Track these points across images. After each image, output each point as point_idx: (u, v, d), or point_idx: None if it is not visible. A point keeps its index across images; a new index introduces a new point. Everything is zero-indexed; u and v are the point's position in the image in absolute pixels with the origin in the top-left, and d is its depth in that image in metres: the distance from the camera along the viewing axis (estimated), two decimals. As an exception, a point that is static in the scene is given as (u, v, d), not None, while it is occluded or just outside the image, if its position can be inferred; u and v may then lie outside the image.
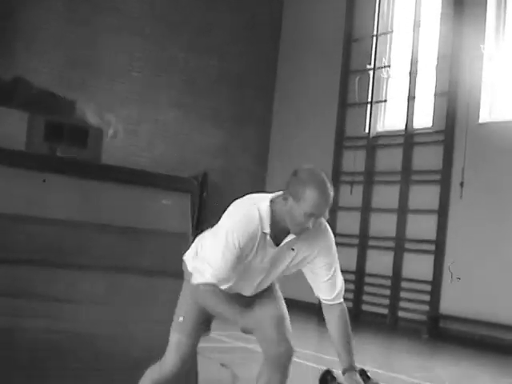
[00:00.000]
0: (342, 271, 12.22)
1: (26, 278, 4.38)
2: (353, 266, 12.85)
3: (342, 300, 3.76)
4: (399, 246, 12.39)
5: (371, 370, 5.18)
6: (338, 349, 3.64)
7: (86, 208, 4.67)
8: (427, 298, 11.81)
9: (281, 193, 3.54)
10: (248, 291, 3.77)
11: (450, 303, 11.47)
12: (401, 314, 12.28)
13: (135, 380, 4.41)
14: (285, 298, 3.95)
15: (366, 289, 12.78)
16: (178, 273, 4.89)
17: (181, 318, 3.94)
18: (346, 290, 13.14)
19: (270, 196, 3.58)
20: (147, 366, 4.37)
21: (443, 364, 8.77)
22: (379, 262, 12.65)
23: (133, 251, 4.75)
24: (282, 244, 3.52)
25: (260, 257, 3.54)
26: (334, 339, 3.67)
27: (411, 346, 10.05)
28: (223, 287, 3.58)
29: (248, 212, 3.48)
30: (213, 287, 3.52)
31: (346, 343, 3.62)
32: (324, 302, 3.73)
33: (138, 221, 4.83)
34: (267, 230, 3.47)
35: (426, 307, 11.79)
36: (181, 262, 4.95)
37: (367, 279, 12.84)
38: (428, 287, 11.80)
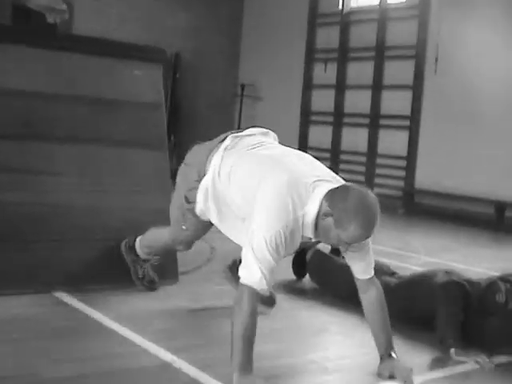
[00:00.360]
0: (318, 149, 12.45)
1: (1, 151, 4.34)
2: (328, 144, 12.86)
3: (373, 274, 3.53)
4: (374, 122, 12.37)
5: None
6: (374, 334, 3.49)
7: (57, 80, 4.61)
8: (402, 173, 11.91)
9: (329, 187, 3.22)
10: None
11: (424, 178, 11.57)
12: (376, 190, 12.32)
13: (116, 250, 4.47)
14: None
15: (342, 166, 12.78)
16: (152, 143, 4.91)
17: (184, 227, 3.94)
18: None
19: (317, 196, 3.19)
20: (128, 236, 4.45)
21: (419, 236, 8.90)
22: (354, 140, 12.67)
23: (106, 122, 4.71)
24: None
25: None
26: (370, 323, 3.52)
27: (387, 221, 10.12)
28: None
29: (292, 220, 3.13)
30: (252, 318, 3.06)
31: (383, 329, 3.45)
32: (357, 277, 3.52)
33: (110, 92, 4.79)
34: (311, 235, 3.25)
35: (401, 183, 11.91)
36: (154, 132, 4.96)
37: (342, 157, 12.86)
38: (403, 163, 11.88)
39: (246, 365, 3.01)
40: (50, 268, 4.35)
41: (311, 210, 3.15)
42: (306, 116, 13.51)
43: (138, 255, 4.43)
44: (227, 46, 14.71)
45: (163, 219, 4.22)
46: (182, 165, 3.87)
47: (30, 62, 4.50)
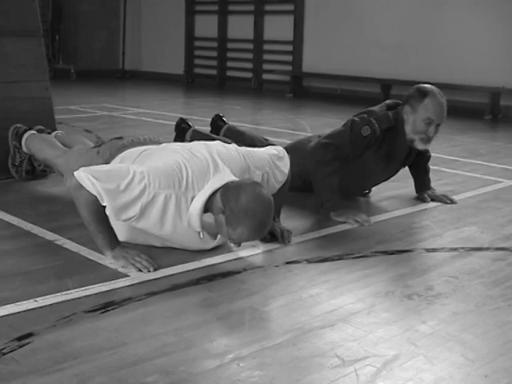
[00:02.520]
0: (205, 39, 12.36)
1: None
2: (214, 33, 12.75)
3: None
4: (259, 8, 12.36)
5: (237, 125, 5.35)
6: None
7: None
8: (290, 58, 11.98)
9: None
10: None
11: (312, 62, 11.69)
12: (265, 76, 12.45)
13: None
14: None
15: (230, 55, 12.75)
16: (26, 32, 4.82)
17: None
18: (210, 58, 13.13)
19: (209, 187, 3.07)
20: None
21: (306, 116, 9.05)
22: (240, 27, 12.62)
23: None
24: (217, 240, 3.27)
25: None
26: None
27: (276, 105, 10.26)
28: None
29: (178, 192, 3.04)
30: (94, 203, 2.96)
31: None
32: None
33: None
34: (198, 227, 3.11)
35: (289, 67, 12.00)
36: (28, 20, 4.86)
37: (230, 45, 12.78)
38: (290, 48, 11.94)
39: (110, 241, 3.04)
40: None
41: (199, 199, 3.06)
42: (191, 5, 13.32)
43: (21, 145, 4.41)
44: None
45: (41, 107, 4.29)
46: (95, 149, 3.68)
47: None
